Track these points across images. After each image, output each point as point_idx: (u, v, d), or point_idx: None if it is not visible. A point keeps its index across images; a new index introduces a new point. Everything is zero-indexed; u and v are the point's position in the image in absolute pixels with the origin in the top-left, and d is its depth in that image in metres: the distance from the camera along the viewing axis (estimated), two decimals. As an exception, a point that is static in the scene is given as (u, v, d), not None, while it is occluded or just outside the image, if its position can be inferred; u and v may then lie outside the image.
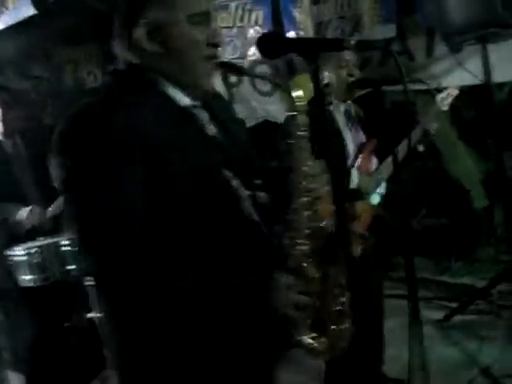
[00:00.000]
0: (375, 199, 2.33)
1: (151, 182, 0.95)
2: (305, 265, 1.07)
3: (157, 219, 0.95)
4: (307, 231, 1.09)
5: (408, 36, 2.82)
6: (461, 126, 3.74)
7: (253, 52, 3.22)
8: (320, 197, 1.12)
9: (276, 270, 1.03)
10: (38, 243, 2.48)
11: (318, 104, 1.23)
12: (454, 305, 3.20)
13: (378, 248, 2.47)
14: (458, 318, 3.07)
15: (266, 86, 3.36)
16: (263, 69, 3.27)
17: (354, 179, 2.24)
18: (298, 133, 1.10)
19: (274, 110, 3.41)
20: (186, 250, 0.98)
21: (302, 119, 1.09)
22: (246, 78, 3.33)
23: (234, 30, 3.23)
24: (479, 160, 3.79)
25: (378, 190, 2.33)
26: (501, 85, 3.32)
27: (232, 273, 1.00)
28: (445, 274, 3.76)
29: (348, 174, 2.20)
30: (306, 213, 1.10)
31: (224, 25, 3.25)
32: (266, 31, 3.06)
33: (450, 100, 2.28)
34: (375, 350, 2.32)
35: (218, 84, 3.24)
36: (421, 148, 2.35)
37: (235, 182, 1.06)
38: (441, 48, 2.76)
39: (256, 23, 3.12)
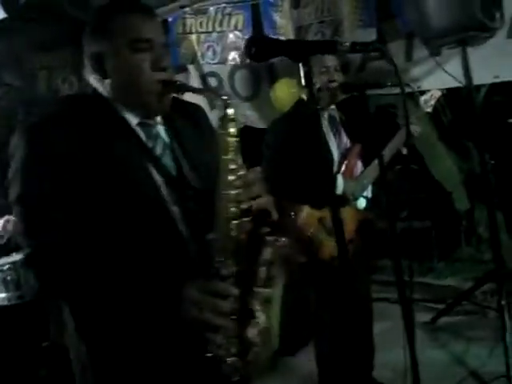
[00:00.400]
0: (361, 204, 2.32)
1: (83, 181, 1.07)
2: (223, 279, 1.04)
3: (84, 216, 1.07)
4: (231, 244, 1.07)
5: (387, 40, 2.82)
6: (440, 127, 3.79)
7: (233, 57, 3.19)
8: (250, 208, 1.08)
9: (189, 280, 1.02)
10: (11, 259, 2.35)
11: (310, 108, 1.20)
12: (439, 306, 3.22)
13: (365, 252, 2.47)
14: (444, 319, 3.09)
15: (245, 91, 3.33)
16: (243, 74, 3.24)
17: (340, 185, 2.23)
18: (230, 143, 1.08)
19: (254, 115, 3.38)
20: (104, 242, 1.07)
21: (233, 129, 1.09)
22: (226, 84, 3.29)
23: (214, 35, 3.18)
24: (460, 161, 3.85)
25: (364, 194, 2.33)
26: (477, 87, 3.38)
27: (141, 273, 1.04)
28: (428, 275, 3.79)
29: (334, 180, 2.19)
30: (232, 224, 1.06)
31: (203, 30, 3.21)
32: (246, 36, 3.03)
33: (433, 102, 2.29)
34: (366, 355, 2.31)
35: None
36: (404, 151, 2.36)
37: (165, 191, 1.14)
38: (420, 51, 2.78)
39: (236, 28, 3.08)
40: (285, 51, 1.20)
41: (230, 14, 3.10)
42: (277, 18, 2.91)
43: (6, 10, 2.82)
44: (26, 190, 1.08)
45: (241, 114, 3.41)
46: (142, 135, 1.17)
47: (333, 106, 2.29)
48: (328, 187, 1.20)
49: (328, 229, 2.15)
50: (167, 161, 1.18)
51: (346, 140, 2.35)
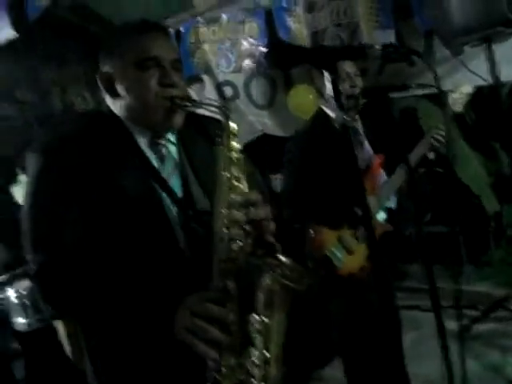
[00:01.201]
0: (381, 216, 2.24)
1: (91, 200, 1.09)
2: (219, 303, 0.99)
3: (90, 231, 1.08)
4: (228, 266, 1.01)
5: (407, 41, 2.74)
6: (464, 128, 3.68)
7: (248, 65, 3.13)
8: (249, 228, 1.03)
9: (185, 297, 1.01)
10: (28, 282, 2.31)
11: (340, 125, 1.13)
12: (471, 313, 3.10)
13: (390, 264, 2.37)
14: (476, 327, 2.97)
15: (261, 99, 3.27)
16: (259, 82, 3.18)
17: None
18: (230, 158, 1.05)
19: (272, 123, 3.33)
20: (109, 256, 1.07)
21: (234, 143, 1.05)
22: (241, 92, 3.23)
23: (227, 43, 3.13)
24: (487, 162, 3.73)
25: (386, 205, 2.24)
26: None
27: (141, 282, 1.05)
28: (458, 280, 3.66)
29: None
30: (230, 245, 1.01)
31: (216, 38, 3.16)
32: (260, 43, 2.97)
33: (463, 100, 2.18)
34: (398, 367, 2.22)
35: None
36: (431, 155, 2.27)
37: (169, 211, 1.14)
38: (441, 51, 2.70)
39: (249, 35, 3.03)
40: (309, 59, 1.14)
41: (243, 22, 3.04)
42: (291, 23, 2.83)
43: (15, 28, 2.81)
44: (36, 206, 1.10)
45: (258, 121, 3.36)
46: (152, 155, 1.18)
47: (356, 117, 2.22)
48: (360, 204, 1.12)
49: (347, 247, 2.09)
50: (175, 181, 1.18)
51: (369, 152, 2.28)
